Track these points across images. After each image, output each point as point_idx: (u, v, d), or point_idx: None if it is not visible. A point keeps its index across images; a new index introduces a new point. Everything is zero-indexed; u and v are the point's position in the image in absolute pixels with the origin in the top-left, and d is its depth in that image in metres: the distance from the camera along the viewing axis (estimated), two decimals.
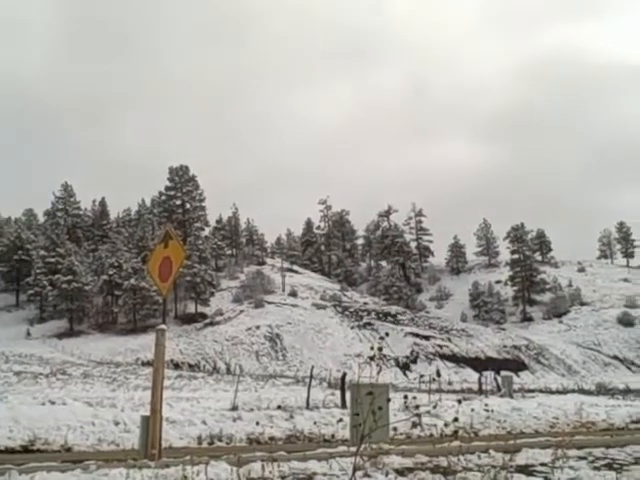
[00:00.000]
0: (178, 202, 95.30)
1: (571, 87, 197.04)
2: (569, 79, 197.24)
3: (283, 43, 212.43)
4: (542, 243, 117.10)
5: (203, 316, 75.87)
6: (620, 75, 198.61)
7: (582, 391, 40.05)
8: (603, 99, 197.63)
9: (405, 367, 62.68)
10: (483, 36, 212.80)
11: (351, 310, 77.08)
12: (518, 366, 67.66)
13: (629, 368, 75.84)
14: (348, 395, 17.63)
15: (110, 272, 76.45)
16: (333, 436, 14.35)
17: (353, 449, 7.42)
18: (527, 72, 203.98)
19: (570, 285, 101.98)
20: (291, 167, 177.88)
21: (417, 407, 5.56)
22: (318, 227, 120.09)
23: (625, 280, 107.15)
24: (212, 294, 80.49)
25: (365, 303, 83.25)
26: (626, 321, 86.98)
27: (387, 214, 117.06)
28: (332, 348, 64.91)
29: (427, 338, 70.53)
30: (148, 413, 9.60)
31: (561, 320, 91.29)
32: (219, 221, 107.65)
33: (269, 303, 76.83)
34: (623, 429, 19.77)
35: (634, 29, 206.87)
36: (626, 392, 38.58)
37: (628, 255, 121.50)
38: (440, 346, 69.05)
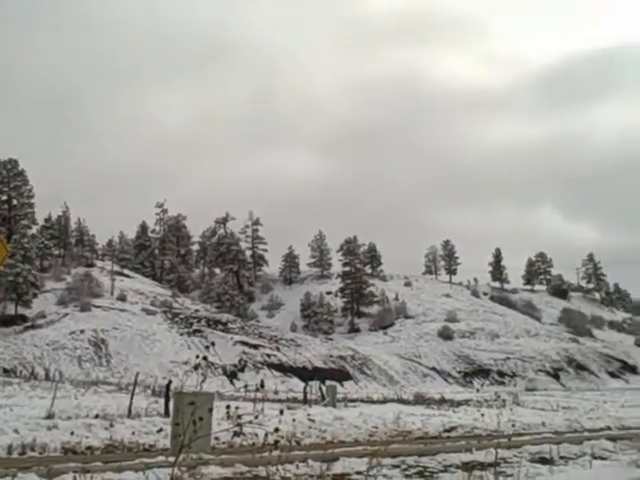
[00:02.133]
0: (4, 197, 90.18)
1: (412, 110, 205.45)
2: (410, 101, 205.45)
3: (136, 45, 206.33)
4: (373, 257, 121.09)
5: (24, 318, 72.07)
6: (455, 103, 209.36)
7: (401, 401, 41.54)
8: (439, 123, 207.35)
9: (233, 375, 62.56)
10: (332, 52, 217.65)
11: (181, 317, 76.01)
12: (343, 376, 69.33)
13: (445, 380, 79.85)
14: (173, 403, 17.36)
15: None
16: (153, 446, 14.09)
17: (172, 459, 7.32)
18: (372, 91, 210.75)
19: (397, 299, 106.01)
20: (131, 169, 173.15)
21: (239, 417, 5.58)
22: (153, 231, 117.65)
23: (447, 295, 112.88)
24: (35, 295, 76.68)
25: (196, 310, 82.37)
26: (446, 335, 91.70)
27: (224, 221, 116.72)
28: (159, 355, 63.63)
29: (256, 347, 70.79)
30: None
31: (386, 332, 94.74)
32: (48, 219, 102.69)
33: (96, 307, 74.20)
34: (436, 437, 20.70)
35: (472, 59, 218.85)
36: (441, 402, 40.44)
37: (451, 272, 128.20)
38: (269, 355, 69.52)
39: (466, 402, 40.47)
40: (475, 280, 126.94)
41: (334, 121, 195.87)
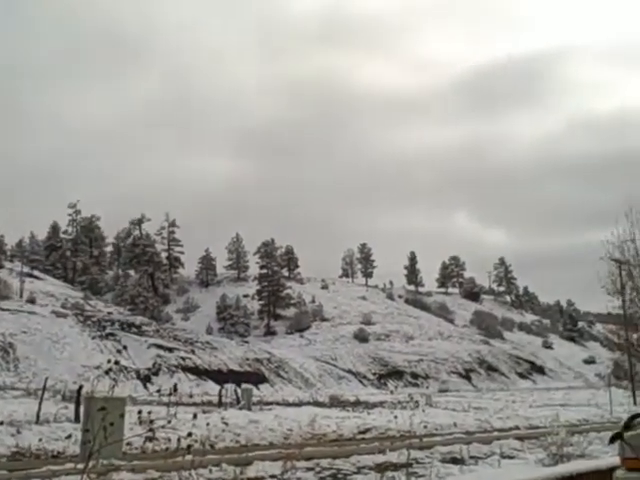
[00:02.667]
0: None
1: (332, 113, 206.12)
2: (331, 104, 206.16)
3: (50, 42, 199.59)
4: (290, 260, 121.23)
5: None
6: (375, 106, 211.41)
7: (317, 403, 41.75)
8: (359, 126, 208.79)
9: (146, 379, 61.44)
10: (255, 54, 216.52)
11: (94, 320, 74.22)
12: (259, 379, 69.11)
13: (361, 382, 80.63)
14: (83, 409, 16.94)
15: None
16: (62, 452, 13.72)
17: (81, 466, 7.13)
18: (293, 94, 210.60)
19: (313, 301, 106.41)
20: (43, 169, 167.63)
21: (152, 421, 5.46)
22: (65, 232, 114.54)
23: (363, 298, 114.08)
24: None
25: (110, 313, 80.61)
26: (361, 337, 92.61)
27: (139, 222, 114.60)
28: (70, 359, 61.89)
29: (171, 350, 69.77)
30: None
31: (302, 335, 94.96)
32: None
33: (3, 310, 71.62)
34: (351, 439, 20.88)
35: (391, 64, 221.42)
36: (356, 404, 40.80)
37: (367, 275, 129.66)
38: (183, 358, 68.61)
39: (381, 404, 40.96)
40: (391, 283, 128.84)
41: (253, 123, 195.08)
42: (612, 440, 6.10)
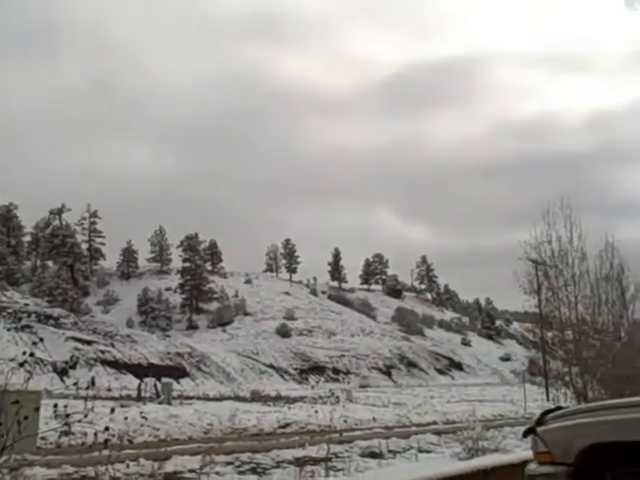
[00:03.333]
0: None
1: (260, 109, 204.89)
2: (258, 100, 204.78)
3: None
4: (214, 253, 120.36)
5: None
6: (303, 103, 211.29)
7: (238, 398, 41.67)
8: (286, 123, 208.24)
9: (63, 373, 60.03)
10: (184, 47, 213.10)
11: (9, 311, 72.05)
12: (180, 373, 68.40)
13: (282, 377, 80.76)
14: None
15: None
16: None
17: None
18: (220, 88, 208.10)
19: (236, 296, 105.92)
20: None
21: (68, 415, 5.34)
22: None
23: (286, 293, 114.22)
24: None
25: (26, 304, 78.34)
26: (284, 332, 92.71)
27: (59, 212, 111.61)
28: None
29: (89, 343, 68.33)
30: None
31: (225, 329, 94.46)
32: None
33: None
34: (271, 434, 20.91)
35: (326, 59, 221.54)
36: (277, 399, 40.91)
37: (291, 270, 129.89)
38: (102, 351, 67.30)
39: (301, 399, 41.13)
40: (314, 279, 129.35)
41: (180, 115, 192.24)
42: (525, 435, 6.25)
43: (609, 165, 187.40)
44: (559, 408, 6.27)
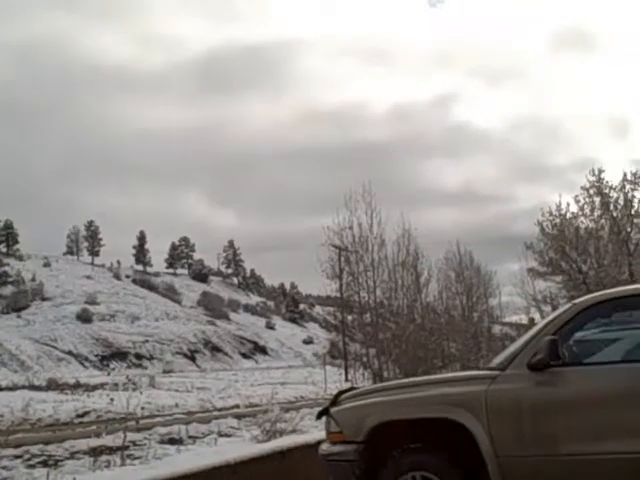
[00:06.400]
0: None
1: (60, 83, 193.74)
2: (59, 73, 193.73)
3: None
4: (9, 235, 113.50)
5: None
6: (107, 80, 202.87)
7: (33, 387, 39.74)
8: (89, 100, 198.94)
9: None
10: None
11: None
12: None
13: (82, 363, 77.91)
14: None
15: None
16: None
17: None
18: (21, 57, 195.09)
19: (34, 280, 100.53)
20: None
21: None
22: None
23: (88, 277, 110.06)
24: None
25: None
26: (85, 317, 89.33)
27: None
28: None
29: None
30: None
31: (20, 315, 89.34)
32: None
33: None
34: (68, 424, 20.16)
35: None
36: (76, 387, 39.44)
37: (94, 253, 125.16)
38: None
39: (102, 386, 39.91)
40: (118, 262, 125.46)
41: None
42: (319, 416, 6.41)
43: (410, 155, 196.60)
44: (352, 389, 6.50)
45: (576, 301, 5.83)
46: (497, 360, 5.93)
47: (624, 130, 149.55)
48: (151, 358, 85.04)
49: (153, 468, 7.01)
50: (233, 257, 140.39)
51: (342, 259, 26.52)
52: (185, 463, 6.86)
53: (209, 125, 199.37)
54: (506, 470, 5.11)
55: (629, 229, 27.39)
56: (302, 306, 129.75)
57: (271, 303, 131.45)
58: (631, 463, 4.85)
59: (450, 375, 6.60)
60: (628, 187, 27.54)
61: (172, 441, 14.50)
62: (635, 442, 4.86)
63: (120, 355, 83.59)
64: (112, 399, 24.69)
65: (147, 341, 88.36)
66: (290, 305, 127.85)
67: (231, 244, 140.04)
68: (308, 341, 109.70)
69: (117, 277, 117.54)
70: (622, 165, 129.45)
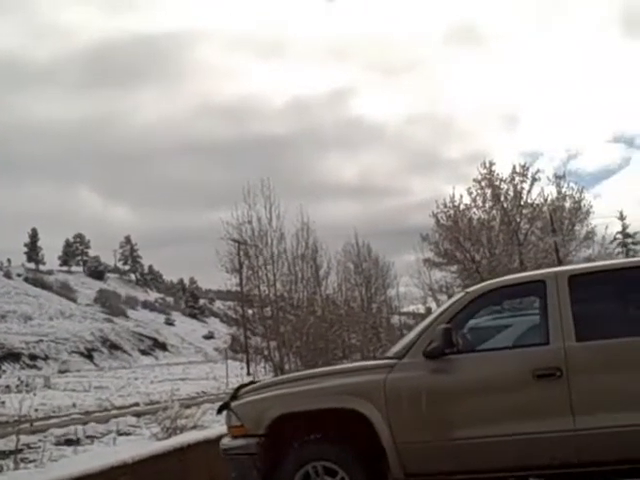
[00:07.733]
0: None
1: None
2: None
3: None
4: None
5: None
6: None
7: None
8: None
9: None
10: None
11: None
12: None
13: None
14: None
15: None
16: None
17: None
18: None
19: None
20: None
21: None
22: None
23: None
24: None
25: None
26: None
27: None
28: None
29: None
30: None
31: None
32: None
33: None
34: None
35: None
36: None
37: None
38: None
39: None
40: (9, 261, 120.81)
41: None
42: (220, 410, 6.38)
43: (308, 149, 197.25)
44: (253, 382, 6.49)
45: (468, 290, 6.02)
46: (395, 349, 6.04)
47: (514, 124, 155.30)
48: (46, 358, 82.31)
49: (48, 471, 6.80)
50: (130, 253, 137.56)
51: (241, 253, 26.48)
52: (81, 464, 6.69)
53: (100, 118, 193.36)
54: (404, 456, 5.23)
55: (518, 219, 28.59)
56: (202, 301, 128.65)
57: (170, 299, 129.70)
58: (517, 445, 5.06)
59: (349, 365, 6.68)
60: (517, 179, 28.81)
61: (69, 442, 14.13)
62: (520, 424, 5.07)
63: (12, 356, 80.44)
64: (3, 402, 23.74)
65: (41, 341, 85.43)
66: (190, 300, 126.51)
67: (128, 240, 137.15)
68: (209, 336, 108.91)
69: (8, 276, 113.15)
70: (512, 158, 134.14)
